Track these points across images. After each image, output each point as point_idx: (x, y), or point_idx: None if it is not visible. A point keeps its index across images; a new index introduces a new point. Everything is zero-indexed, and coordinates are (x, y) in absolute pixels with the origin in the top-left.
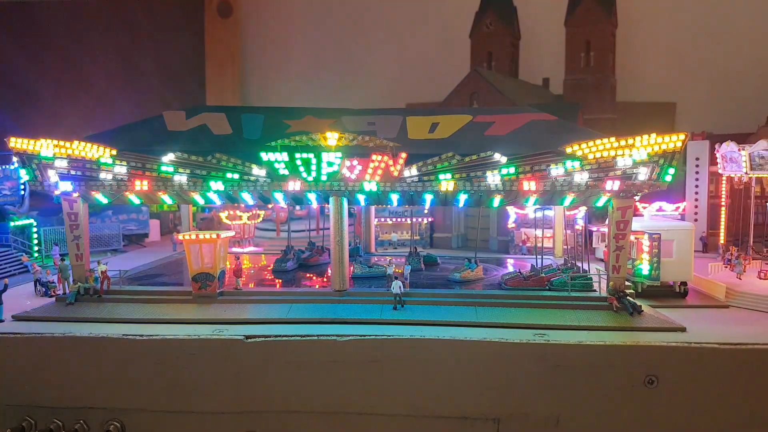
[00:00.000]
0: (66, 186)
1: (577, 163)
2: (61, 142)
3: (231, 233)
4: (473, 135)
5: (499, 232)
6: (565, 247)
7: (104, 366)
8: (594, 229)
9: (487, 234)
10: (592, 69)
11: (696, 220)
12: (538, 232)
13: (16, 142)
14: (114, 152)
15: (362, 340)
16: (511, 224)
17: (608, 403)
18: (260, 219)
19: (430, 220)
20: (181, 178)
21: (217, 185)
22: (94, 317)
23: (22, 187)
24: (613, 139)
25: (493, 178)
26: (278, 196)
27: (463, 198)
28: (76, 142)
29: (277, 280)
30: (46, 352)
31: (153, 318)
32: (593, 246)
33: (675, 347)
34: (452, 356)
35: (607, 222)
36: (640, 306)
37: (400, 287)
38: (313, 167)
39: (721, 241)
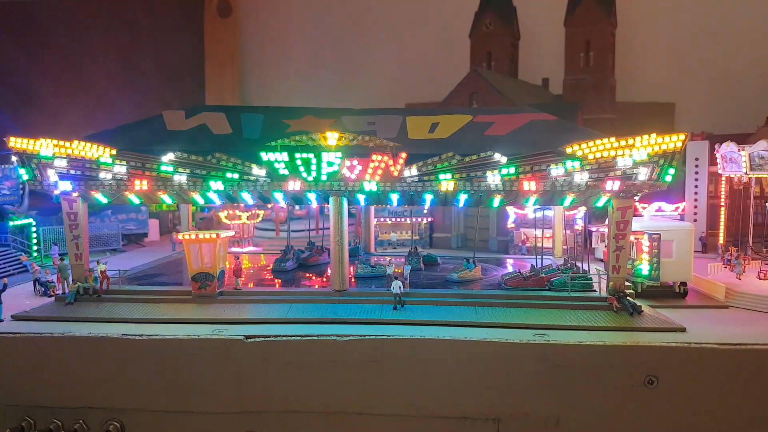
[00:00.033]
0: (65, 186)
1: (577, 164)
2: (61, 142)
3: (231, 233)
4: (473, 135)
5: (498, 232)
6: (565, 247)
7: (104, 366)
8: (593, 229)
9: (486, 234)
10: (592, 69)
11: (695, 220)
12: (538, 233)
13: (15, 142)
14: (114, 152)
15: (362, 340)
16: (510, 224)
17: (608, 403)
18: (259, 219)
19: (429, 220)
20: (180, 178)
21: (216, 185)
22: (94, 317)
23: (21, 186)
24: (613, 139)
25: (493, 178)
26: (278, 195)
27: (463, 198)
28: (75, 142)
29: (276, 280)
30: (46, 352)
31: (152, 318)
32: (592, 246)
33: (675, 347)
34: (452, 356)
35: (606, 222)
36: (640, 306)
37: (400, 287)
38: (313, 167)
39: (721, 242)
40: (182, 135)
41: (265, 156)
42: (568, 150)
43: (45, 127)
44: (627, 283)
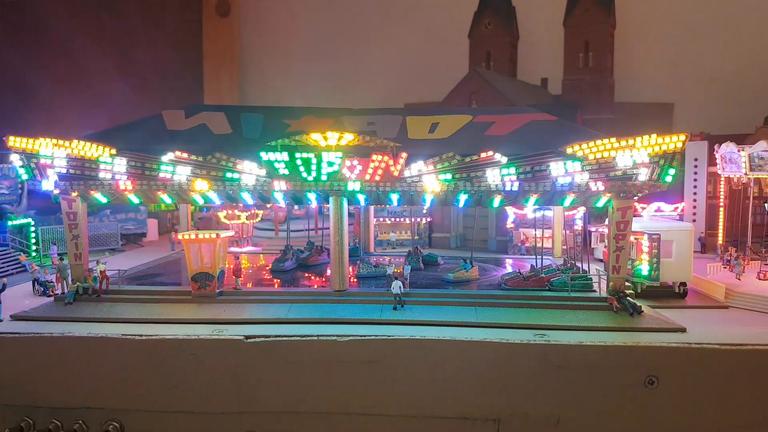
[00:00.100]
0: (65, 185)
1: (577, 164)
2: (60, 141)
3: (230, 233)
4: (473, 135)
5: (497, 232)
6: (564, 247)
7: (103, 366)
8: (593, 229)
9: (485, 234)
10: (591, 69)
11: (694, 220)
12: (537, 233)
13: (15, 141)
14: (113, 151)
15: (362, 340)
16: (509, 224)
17: (608, 403)
18: (258, 219)
19: (428, 220)
20: (180, 178)
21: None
22: (93, 317)
23: (20, 186)
24: (613, 139)
25: (493, 178)
26: (278, 195)
27: (463, 198)
28: (75, 141)
29: (275, 280)
30: (45, 352)
31: (152, 318)
32: (592, 246)
33: (675, 348)
34: (452, 356)
35: (606, 222)
36: (640, 306)
37: (400, 287)
38: (313, 167)
39: (720, 242)
40: (182, 134)
41: (265, 156)
42: (569, 150)
43: (44, 127)
44: (627, 284)
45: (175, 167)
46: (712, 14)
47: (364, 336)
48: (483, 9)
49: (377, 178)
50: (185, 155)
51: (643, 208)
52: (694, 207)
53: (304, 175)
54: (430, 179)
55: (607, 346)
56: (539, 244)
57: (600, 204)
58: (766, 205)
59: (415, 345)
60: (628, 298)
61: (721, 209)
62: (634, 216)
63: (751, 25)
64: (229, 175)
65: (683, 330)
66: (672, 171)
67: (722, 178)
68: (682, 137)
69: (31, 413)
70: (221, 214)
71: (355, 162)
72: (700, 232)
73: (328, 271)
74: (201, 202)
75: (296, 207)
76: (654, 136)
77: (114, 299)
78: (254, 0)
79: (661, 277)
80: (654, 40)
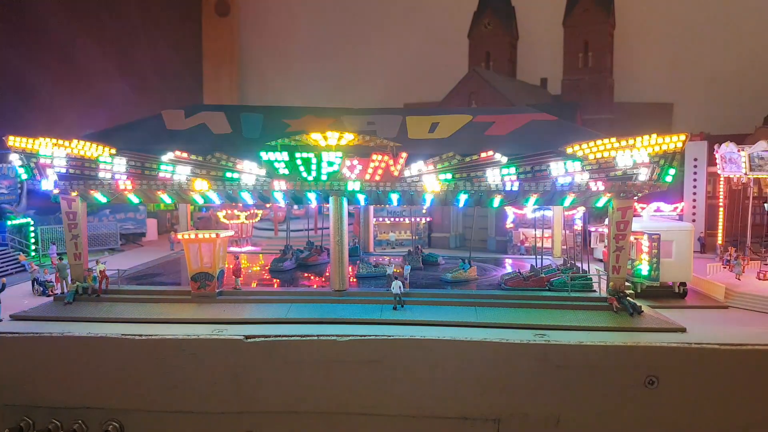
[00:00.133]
0: (64, 185)
1: (578, 164)
2: (60, 141)
3: (230, 233)
4: (473, 135)
5: (497, 232)
6: (564, 247)
7: (103, 366)
8: (592, 229)
9: (485, 234)
10: (590, 69)
11: (693, 220)
12: (537, 233)
13: (14, 141)
14: (113, 151)
15: (362, 340)
16: (509, 224)
17: (609, 403)
18: (258, 218)
19: (428, 219)
20: (180, 177)
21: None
22: (93, 317)
23: (20, 185)
24: (614, 139)
25: (493, 178)
26: (278, 195)
27: (463, 198)
28: (75, 141)
29: (275, 280)
30: (45, 352)
31: (152, 318)
32: (591, 246)
33: (675, 348)
34: (452, 356)
35: (606, 222)
36: (640, 306)
37: (399, 287)
38: (313, 167)
39: (719, 242)
40: (181, 134)
41: (265, 156)
42: (569, 150)
43: (43, 127)
44: (627, 284)
45: (175, 167)
46: (712, 14)
47: (364, 336)
48: (482, 9)
49: (377, 178)
50: (185, 155)
51: (642, 208)
52: (694, 207)
53: (304, 174)
54: (430, 179)
55: (607, 346)
56: (539, 244)
57: (600, 204)
58: (765, 205)
59: (415, 345)
60: (628, 298)
61: (721, 209)
62: (634, 216)
63: (750, 25)
64: (229, 174)
65: (683, 330)
66: (672, 171)
67: (722, 178)
68: (683, 137)
69: (31, 413)
70: (220, 214)
71: (355, 162)
72: (700, 232)
73: (328, 271)
74: (201, 201)
75: (295, 207)
76: (654, 136)
77: (113, 299)
78: (254, 0)
79: (661, 277)
80: (653, 40)
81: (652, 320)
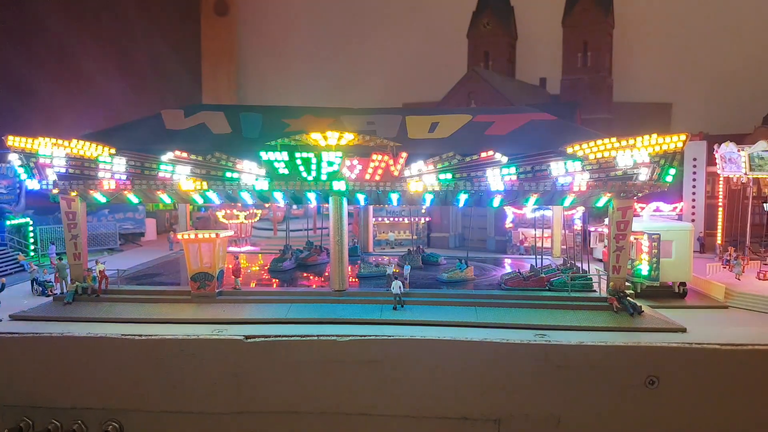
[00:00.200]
0: (64, 185)
1: (578, 164)
2: (59, 141)
3: (230, 232)
4: (473, 135)
5: (496, 232)
6: (564, 247)
7: (102, 366)
8: (592, 229)
9: (484, 234)
10: (589, 69)
11: (693, 220)
12: (537, 232)
13: (14, 141)
14: (113, 151)
15: (362, 340)
16: (508, 224)
17: (609, 403)
18: (257, 218)
19: (427, 219)
20: (179, 177)
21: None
22: (92, 317)
23: (18, 185)
24: (614, 139)
25: (493, 178)
26: (277, 195)
27: (463, 198)
28: (74, 141)
29: (274, 280)
30: (44, 352)
31: (151, 318)
32: (591, 246)
33: (676, 348)
34: (452, 357)
35: (606, 222)
36: (640, 306)
37: (399, 287)
38: (313, 167)
39: (719, 242)
40: (181, 134)
41: (265, 155)
42: (569, 150)
43: (43, 126)
44: (627, 284)
45: (175, 167)
46: (712, 14)
47: (364, 336)
48: (482, 9)
49: (377, 177)
50: (184, 155)
51: (642, 208)
52: (693, 207)
53: (304, 174)
54: (430, 179)
55: (607, 346)
56: (538, 244)
57: (600, 204)
58: (765, 205)
59: (415, 345)
60: (628, 298)
61: (720, 209)
62: (633, 216)
63: (750, 25)
64: (228, 174)
65: (684, 330)
66: (672, 171)
67: (721, 178)
68: (683, 137)
69: (30, 413)
70: (219, 214)
71: (355, 161)
72: (699, 232)
73: (328, 271)
74: (200, 201)
75: (295, 206)
76: (654, 135)
77: (113, 299)
78: None
79: (661, 277)
80: (653, 40)
81: (653, 320)
